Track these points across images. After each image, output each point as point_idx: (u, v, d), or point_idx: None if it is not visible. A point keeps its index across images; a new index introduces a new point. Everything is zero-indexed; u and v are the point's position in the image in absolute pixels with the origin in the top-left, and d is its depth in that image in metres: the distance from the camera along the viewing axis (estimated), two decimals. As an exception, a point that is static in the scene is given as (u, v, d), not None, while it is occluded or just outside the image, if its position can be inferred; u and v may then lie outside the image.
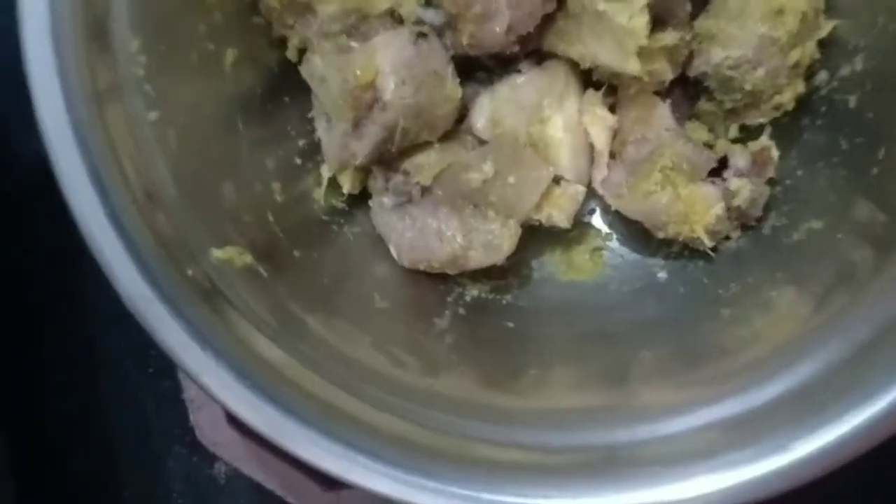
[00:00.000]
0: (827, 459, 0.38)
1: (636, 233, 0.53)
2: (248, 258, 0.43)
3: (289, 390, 0.40)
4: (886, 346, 0.39)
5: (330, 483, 0.43)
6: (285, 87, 0.51)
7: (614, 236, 0.55)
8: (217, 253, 0.42)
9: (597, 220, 0.55)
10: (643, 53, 0.46)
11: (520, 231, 0.50)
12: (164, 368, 0.63)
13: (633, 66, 0.46)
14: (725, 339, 0.47)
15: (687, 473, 0.38)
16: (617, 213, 0.52)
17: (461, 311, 0.52)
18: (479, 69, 0.53)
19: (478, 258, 0.50)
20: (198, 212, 0.43)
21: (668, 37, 0.47)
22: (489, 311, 0.53)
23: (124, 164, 0.39)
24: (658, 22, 0.47)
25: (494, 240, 0.50)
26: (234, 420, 0.48)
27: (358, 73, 0.47)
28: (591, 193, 0.53)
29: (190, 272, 0.40)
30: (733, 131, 0.52)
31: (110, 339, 0.64)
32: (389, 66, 0.47)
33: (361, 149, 0.49)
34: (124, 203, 0.39)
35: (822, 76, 0.50)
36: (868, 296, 0.42)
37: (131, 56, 0.40)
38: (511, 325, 0.52)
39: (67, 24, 0.38)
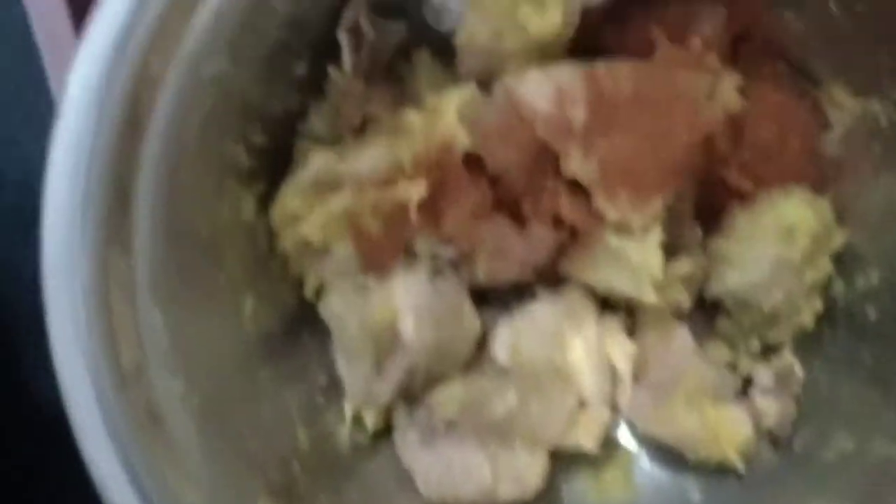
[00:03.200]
0: None
1: (667, 450, 0.52)
2: None
3: None
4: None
5: None
6: (304, 325, 0.51)
7: (644, 454, 0.53)
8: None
9: (625, 438, 0.54)
10: (659, 284, 0.46)
11: (548, 462, 0.50)
12: None
13: (649, 297, 0.46)
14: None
15: None
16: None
17: (494, 543, 0.50)
18: (495, 293, 0.53)
19: (508, 492, 0.49)
20: (225, 473, 0.42)
21: (683, 266, 0.47)
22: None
23: (154, 440, 0.39)
24: (671, 250, 0.47)
25: (524, 472, 0.49)
26: None
27: (377, 314, 0.48)
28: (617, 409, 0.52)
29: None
30: (755, 346, 0.51)
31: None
32: (408, 306, 0.48)
33: (384, 391, 0.48)
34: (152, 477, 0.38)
35: (839, 287, 0.50)
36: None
37: (155, 329, 0.40)
38: (545, 556, 0.50)
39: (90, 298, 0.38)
